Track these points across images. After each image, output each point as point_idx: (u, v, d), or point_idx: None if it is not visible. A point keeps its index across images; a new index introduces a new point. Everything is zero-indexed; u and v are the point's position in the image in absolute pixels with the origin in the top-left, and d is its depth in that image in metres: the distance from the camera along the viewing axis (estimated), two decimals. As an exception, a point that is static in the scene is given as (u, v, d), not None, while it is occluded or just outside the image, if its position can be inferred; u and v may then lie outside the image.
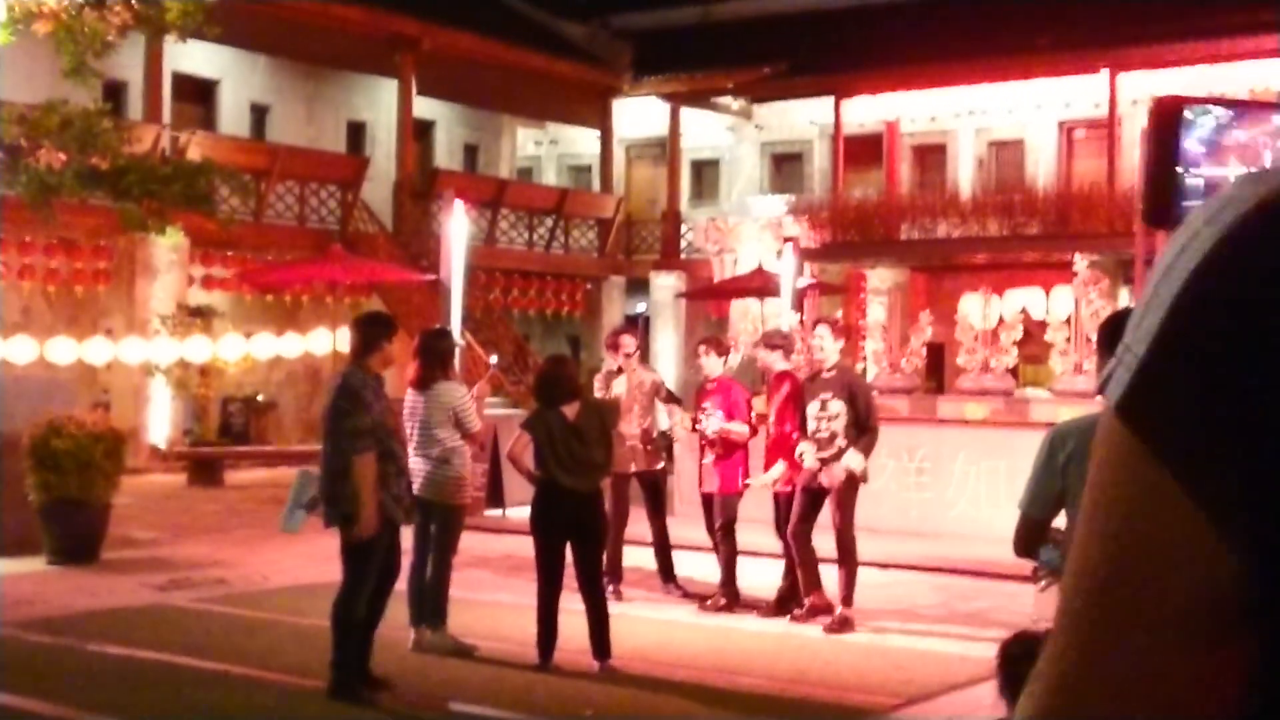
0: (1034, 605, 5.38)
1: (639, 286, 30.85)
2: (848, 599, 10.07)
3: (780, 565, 10.72)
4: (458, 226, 15.72)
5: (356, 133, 29.41)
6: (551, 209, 30.46)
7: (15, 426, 12.83)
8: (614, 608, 9.14)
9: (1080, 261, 21.16)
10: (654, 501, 11.37)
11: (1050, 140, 27.77)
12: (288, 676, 8.52)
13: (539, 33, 29.73)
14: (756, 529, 11.16)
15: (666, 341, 29.18)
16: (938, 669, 8.89)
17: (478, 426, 9.43)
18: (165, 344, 21.55)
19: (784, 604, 10.47)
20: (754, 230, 26.48)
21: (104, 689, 8.24)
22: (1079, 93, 25.19)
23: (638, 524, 11.37)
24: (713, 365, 10.96)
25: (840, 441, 9.94)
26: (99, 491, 12.80)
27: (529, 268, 29.50)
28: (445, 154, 31.37)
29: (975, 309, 16.91)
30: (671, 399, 11.48)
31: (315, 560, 13.10)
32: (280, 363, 23.81)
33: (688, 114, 30.75)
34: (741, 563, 11.00)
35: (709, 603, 10.72)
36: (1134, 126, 24.65)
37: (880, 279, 25.95)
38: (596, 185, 32.45)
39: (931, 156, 29.26)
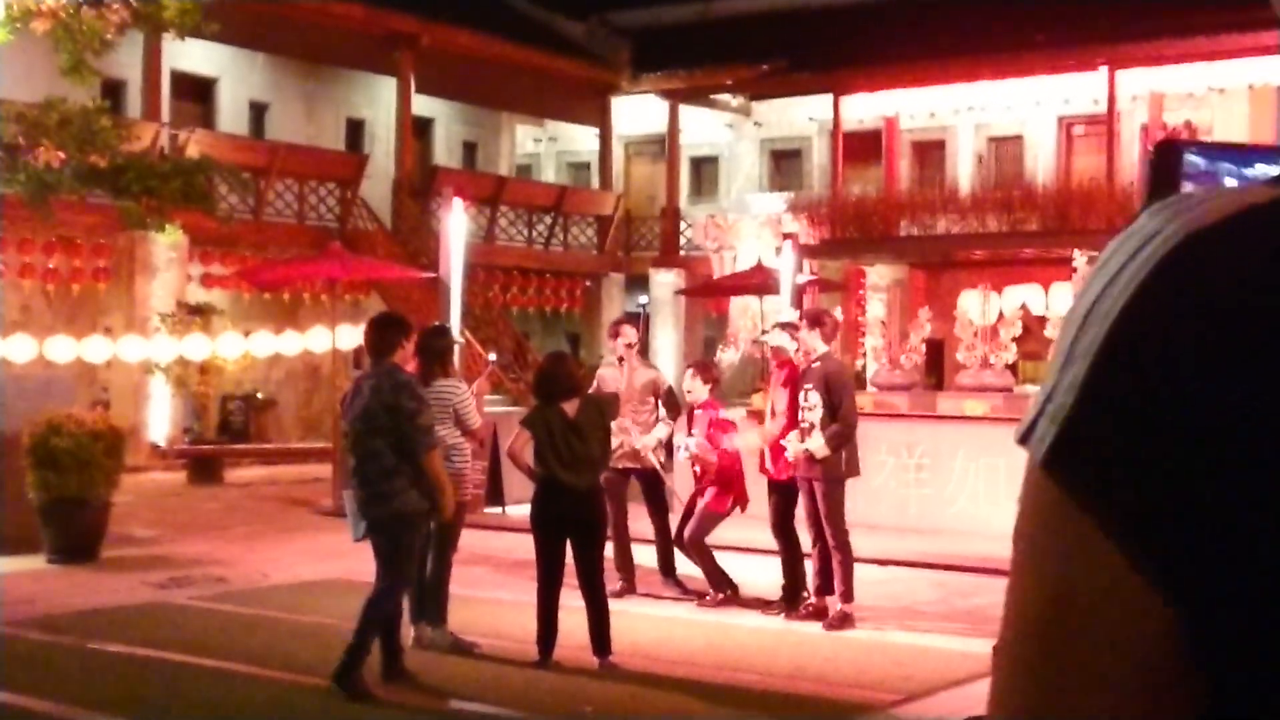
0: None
1: (638, 284, 30.84)
2: (846, 594, 10.07)
3: (776, 562, 10.75)
4: (457, 224, 15.73)
5: (355, 130, 29.41)
6: (551, 206, 30.46)
7: (15, 425, 12.84)
8: (613, 604, 9.14)
9: (1079, 257, 21.17)
10: (653, 497, 11.36)
11: (1049, 136, 27.76)
12: (287, 674, 8.52)
13: (538, 30, 29.72)
14: (753, 526, 11.16)
15: (666, 338, 29.19)
16: (937, 665, 8.90)
17: (478, 424, 9.44)
18: (164, 342, 21.56)
19: (793, 598, 10.49)
20: (753, 227, 26.48)
21: (104, 687, 8.25)
22: (1078, 89, 25.17)
23: (637, 520, 11.37)
24: (699, 392, 10.95)
25: (817, 433, 9.96)
26: (99, 490, 12.81)
27: (528, 265, 29.50)
28: (444, 151, 31.36)
29: (974, 305, 16.91)
30: (671, 401, 11.37)
31: (314, 558, 13.12)
32: (279, 360, 23.81)
33: (687, 111, 30.74)
34: (740, 558, 11.02)
35: (707, 599, 10.74)
36: (1133, 123, 24.70)
37: (880, 275, 25.95)
38: (596, 182, 32.45)
39: (931, 153, 29.26)
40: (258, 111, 27.78)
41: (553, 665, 8.63)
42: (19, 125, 15.44)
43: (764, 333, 11.02)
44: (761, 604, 10.71)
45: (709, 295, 27.57)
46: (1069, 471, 0.65)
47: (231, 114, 27.09)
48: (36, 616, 10.10)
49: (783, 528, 10.50)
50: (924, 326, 16.79)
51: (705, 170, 33.14)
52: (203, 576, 12.17)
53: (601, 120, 31.65)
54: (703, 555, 10.72)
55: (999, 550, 10.02)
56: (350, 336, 21.57)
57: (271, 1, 22.76)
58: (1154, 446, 0.62)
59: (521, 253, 29.60)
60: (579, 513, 8.69)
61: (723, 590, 10.71)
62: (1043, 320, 17.57)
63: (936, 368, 21.83)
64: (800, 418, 10.09)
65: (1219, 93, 23.47)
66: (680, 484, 11.60)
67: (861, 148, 27.59)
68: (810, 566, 10.37)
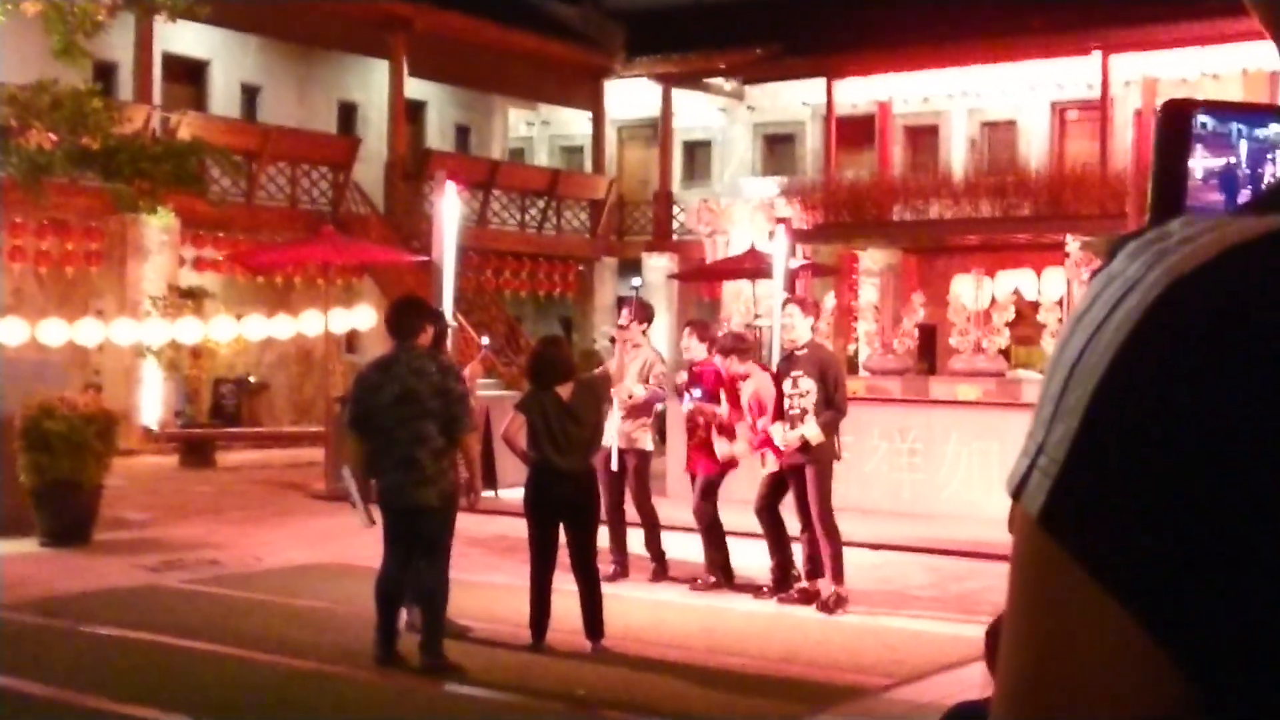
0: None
1: (631, 268, 30.80)
2: (837, 576, 10.09)
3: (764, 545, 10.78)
4: (449, 207, 15.68)
5: (348, 114, 29.34)
6: (543, 190, 30.42)
7: (7, 408, 12.82)
8: (606, 588, 9.15)
9: (1072, 243, 21.18)
10: (639, 480, 11.33)
11: (1042, 121, 27.76)
12: (280, 657, 8.53)
13: (531, 13, 29.66)
14: (744, 510, 11.17)
15: (658, 322, 29.07)
16: (930, 649, 8.92)
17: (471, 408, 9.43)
18: (157, 325, 21.52)
19: (783, 582, 10.50)
20: (746, 211, 26.46)
21: (97, 670, 8.25)
22: (1071, 74, 25.16)
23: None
24: (696, 349, 10.96)
25: (810, 419, 9.96)
26: (91, 473, 12.79)
27: (521, 249, 29.47)
28: (437, 135, 31.30)
29: (967, 290, 16.93)
30: (654, 382, 11.31)
31: (307, 541, 13.13)
32: (272, 344, 23.79)
33: (680, 95, 30.70)
34: (730, 543, 11.01)
35: (698, 582, 10.74)
36: (1126, 108, 24.70)
37: (872, 260, 25.96)
38: (588, 166, 32.41)
39: (924, 137, 29.24)
40: (250, 94, 27.70)
41: (546, 649, 8.65)
42: (10, 107, 15.40)
43: (757, 320, 10.98)
44: (753, 588, 10.73)
45: (701, 280, 27.55)
46: (1065, 526, 0.64)
47: (223, 97, 27.01)
48: (29, 600, 10.09)
49: (770, 512, 10.51)
50: (917, 311, 16.80)
51: (698, 154, 33.11)
52: (195, 560, 12.17)
53: (594, 104, 31.60)
54: (712, 532, 10.68)
55: (991, 535, 10.06)
56: (343, 320, 21.57)
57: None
58: (1149, 502, 0.62)
59: (514, 237, 29.57)
60: (573, 496, 8.70)
61: (715, 575, 10.71)
62: (1035, 305, 17.57)
63: (929, 352, 21.85)
64: (789, 404, 10.08)
65: (1212, 78, 23.46)
66: (672, 464, 11.62)
67: (855, 132, 27.57)
68: (799, 551, 10.38)
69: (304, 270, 23.71)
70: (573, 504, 8.71)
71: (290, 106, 27.77)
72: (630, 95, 31.28)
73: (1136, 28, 22.89)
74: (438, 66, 28.38)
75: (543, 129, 35.01)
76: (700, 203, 28.13)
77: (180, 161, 16.77)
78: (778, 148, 31.95)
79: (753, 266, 22.13)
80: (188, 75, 26.57)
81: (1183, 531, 0.61)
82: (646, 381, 11.20)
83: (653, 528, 11.28)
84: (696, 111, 31.60)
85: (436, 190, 15.99)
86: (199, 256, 23.95)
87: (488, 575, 11.14)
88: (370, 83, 28.80)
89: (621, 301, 11.87)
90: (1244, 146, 0.85)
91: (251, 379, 24.67)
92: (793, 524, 10.40)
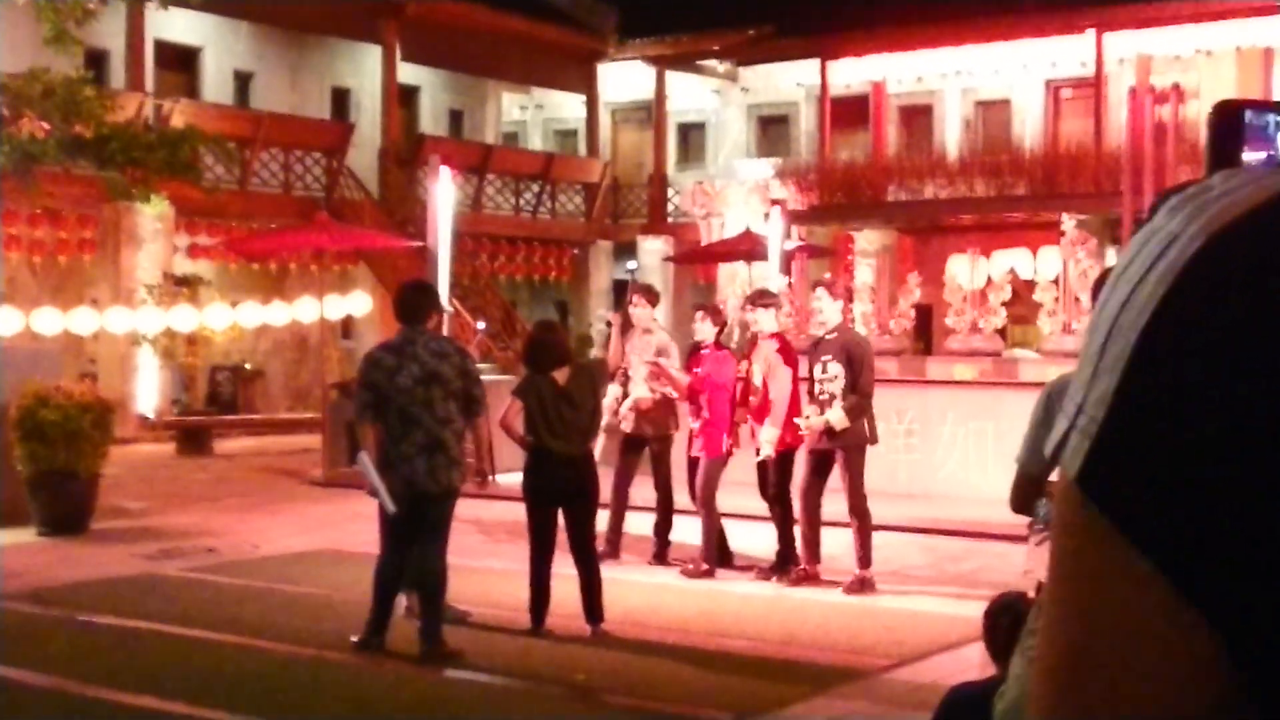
0: (1026, 557, 5.39)
1: (626, 251, 30.77)
2: (865, 560, 10.10)
3: (768, 528, 10.76)
4: (444, 192, 15.64)
5: (341, 99, 29.27)
6: (538, 174, 30.38)
7: (3, 398, 12.80)
8: (605, 572, 9.15)
9: (1068, 221, 21.12)
10: (657, 465, 11.34)
11: (1037, 100, 27.72)
12: (279, 644, 8.53)
13: (523, -3, 29.59)
14: (744, 492, 11.17)
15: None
16: (928, 630, 8.92)
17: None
18: (151, 313, 21.49)
19: (783, 565, 10.51)
20: (741, 194, 26.42)
21: (94, 659, 8.24)
22: (1065, 52, 25.12)
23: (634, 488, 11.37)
24: (706, 331, 10.95)
25: (837, 404, 9.94)
26: (87, 462, 12.78)
27: (515, 233, 29.44)
28: (430, 120, 31.24)
29: (963, 270, 16.91)
30: (655, 368, 11.29)
31: (304, 528, 13.12)
32: (267, 331, 23.76)
33: (673, 77, 30.63)
34: (729, 526, 11.01)
35: (690, 567, 10.71)
36: (1120, 86, 24.62)
37: (868, 241, 25.92)
38: (583, 150, 32.36)
39: (918, 118, 29.20)
40: (242, 81, 27.63)
41: (545, 633, 8.65)
42: (3, 96, 15.36)
43: (749, 308, 10.95)
44: (753, 570, 10.73)
45: (697, 262, 27.52)
46: (1104, 488, 0.62)
47: (216, 84, 26.94)
48: (26, 589, 10.08)
49: (780, 496, 10.49)
50: (913, 292, 16.79)
51: (692, 137, 33.06)
52: (192, 548, 12.16)
53: (588, 87, 31.53)
54: (709, 516, 10.67)
55: (989, 514, 10.05)
56: (338, 306, 21.52)
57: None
58: (1191, 461, 0.60)
59: (509, 221, 29.53)
60: (571, 481, 8.69)
61: (710, 562, 10.68)
62: (1031, 284, 17.55)
63: (925, 333, 21.84)
64: (818, 389, 10.05)
65: (1206, 55, 23.43)
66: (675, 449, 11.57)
67: (849, 113, 27.53)
68: (800, 534, 10.37)
69: (298, 257, 23.69)
70: (571, 489, 8.70)
71: (283, 93, 27.70)
72: (624, 78, 31.21)
73: (1130, 5, 22.85)
74: (430, 51, 28.32)
75: (536, 113, 34.94)
76: (695, 185, 28.08)
77: (173, 149, 16.76)
78: (772, 129, 31.91)
79: (748, 248, 22.10)
80: (180, 62, 26.50)
81: (1223, 495, 0.59)
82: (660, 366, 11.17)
83: (669, 512, 11.29)
84: (690, 93, 31.54)
85: (430, 175, 15.95)
86: (193, 244, 23.91)
87: (486, 560, 11.14)
88: (363, 68, 28.73)
89: (623, 286, 11.88)
90: None
91: (247, 366, 24.65)
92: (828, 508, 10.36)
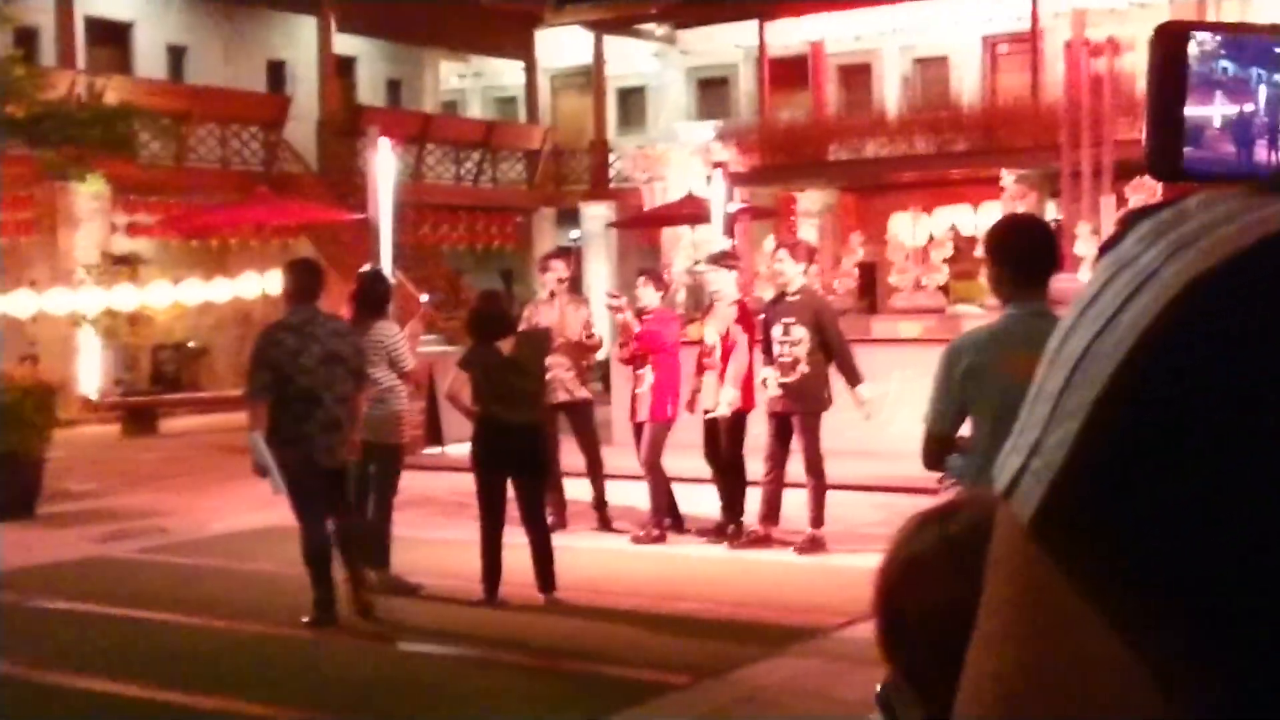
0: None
1: (569, 217, 30.73)
2: (817, 520, 10.15)
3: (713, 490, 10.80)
4: (384, 163, 15.57)
5: (277, 72, 28.99)
6: (478, 142, 30.23)
7: (-58, 383, 12.65)
8: (556, 540, 9.16)
9: (1007, 176, 21.31)
10: (582, 431, 11.32)
11: (974, 56, 27.82)
12: (232, 622, 8.50)
13: (458, -36, 29.37)
14: (692, 455, 11.20)
15: (599, 271, 29.13)
16: (880, 586, 8.98)
17: (411, 365, 9.39)
18: (92, 293, 21.25)
19: (729, 526, 10.55)
20: (683, 157, 26.40)
21: (47, 644, 8.19)
22: (1001, 7, 25.21)
23: (572, 455, 11.35)
24: (650, 297, 10.94)
25: (804, 367, 9.94)
26: (32, 446, 12.67)
27: (458, 202, 29.29)
28: (368, 90, 31.00)
29: (905, 227, 17.01)
30: (590, 341, 11.30)
31: (255, 505, 13.02)
32: (210, 308, 23.54)
33: (612, 42, 30.52)
34: (677, 489, 11.03)
35: (642, 534, 10.73)
36: (1056, 40, 24.75)
37: (810, 201, 25.99)
38: (523, 117, 32.23)
39: (857, 76, 29.25)
40: (176, 55, 27.32)
41: (498, 603, 8.66)
42: (-69, 77, 15.12)
43: (697, 266, 10.96)
44: (704, 533, 10.77)
45: (640, 227, 27.51)
46: (1058, 539, 0.59)
47: (149, 58, 26.62)
48: (-25, 576, 9.99)
49: (733, 459, 10.51)
50: (856, 251, 16.87)
51: (632, 101, 32.98)
52: (143, 529, 12.09)
53: (526, 54, 31.39)
54: (657, 479, 10.68)
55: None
56: (281, 281, 21.35)
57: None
58: (1156, 523, 0.56)
59: (451, 190, 29.38)
60: (519, 450, 8.69)
61: (660, 526, 10.70)
62: (973, 240, 17.64)
63: (870, 291, 21.94)
64: (779, 351, 10.04)
65: (1140, 7, 23.56)
66: (618, 414, 11.62)
67: (788, 74, 27.54)
68: (758, 495, 10.38)
69: (239, 232, 23.50)
70: (520, 457, 8.70)
71: (218, 66, 27.42)
72: (562, 43, 31.08)
73: (1064, -41, 22.92)
74: (366, 21, 28.07)
75: (475, 80, 34.75)
76: (636, 150, 28.05)
77: (108, 126, 16.52)
78: (712, 91, 31.88)
79: (691, 212, 22.11)
80: (112, 38, 26.16)
81: (1184, 565, 0.56)
82: (586, 338, 11.17)
83: (600, 476, 11.28)
84: (629, 58, 31.44)
85: (370, 146, 15.86)
86: (132, 222, 23.66)
87: (437, 531, 11.13)
88: (298, 40, 28.46)
89: (549, 256, 11.82)
90: (1263, 93, 0.78)
91: (191, 344, 24.46)
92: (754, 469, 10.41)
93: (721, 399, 10.32)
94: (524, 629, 8.21)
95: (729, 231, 18.60)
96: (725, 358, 10.32)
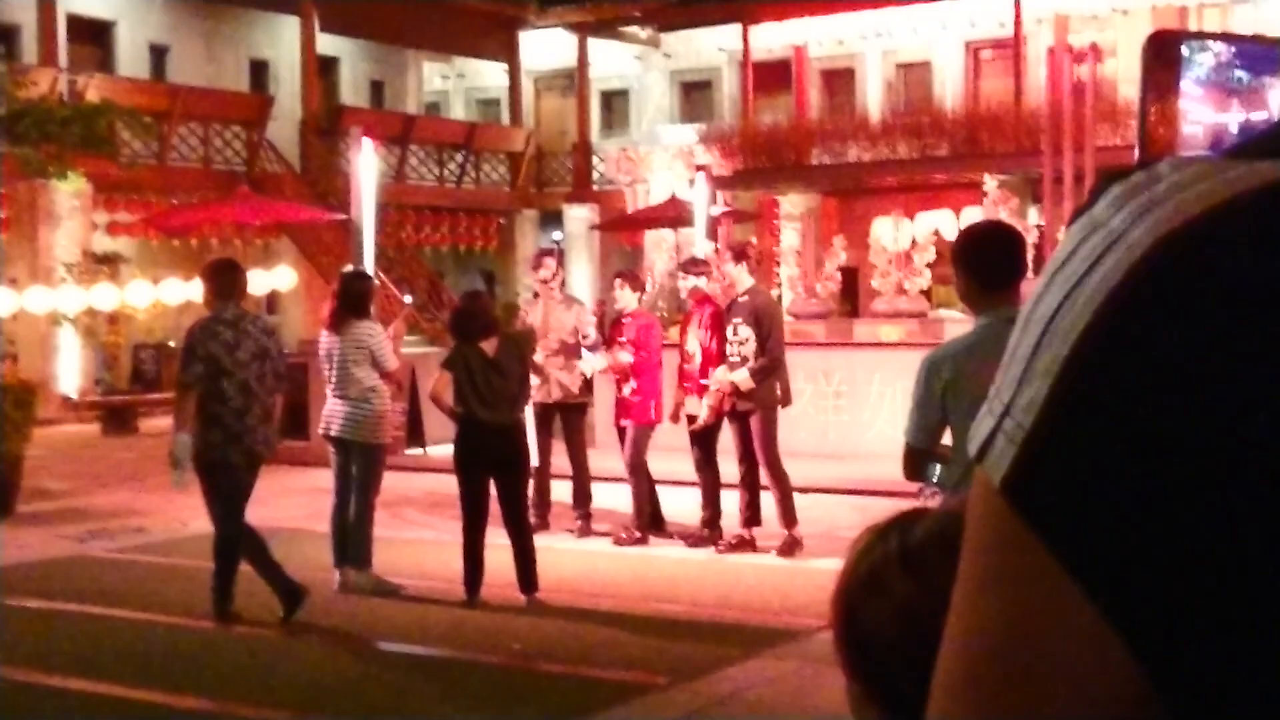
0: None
1: (552, 219, 30.72)
2: (788, 519, 10.15)
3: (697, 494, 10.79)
4: (366, 164, 15.56)
5: (259, 71, 28.93)
6: (461, 143, 30.20)
7: (-80, 381, 12.59)
8: (538, 541, 9.15)
9: (989, 181, 21.33)
10: (571, 432, 11.31)
11: (957, 61, 27.88)
12: (210, 622, 8.46)
13: (442, -36, 29.34)
14: (675, 457, 11.20)
15: (581, 273, 29.11)
16: (860, 589, 8.98)
17: (394, 365, 9.37)
18: (71, 292, 21.17)
19: (715, 529, 10.54)
20: (665, 160, 26.41)
21: (24, 643, 8.14)
22: (984, 12, 25.27)
23: (558, 455, 11.34)
24: (627, 299, 10.94)
25: (751, 365, 9.98)
26: (10, 444, 12.61)
27: (440, 203, 29.26)
28: (350, 91, 30.96)
29: (887, 232, 17.00)
30: (593, 344, 11.31)
31: (235, 505, 12.99)
32: (191, 307, 23.38)
33: (595, 44, 30.53)
34: (661, 491, 11.03)
35: (624, 536, 10.73)
36: (1039, 45, 24.83)
37: (793, 204, 26.00)
38: (505, 118, 32.20)
39: (840, 81, 29.29)
40: (158, 54, 27.24)
41: (480, 604, 8.64)
42: (-90, 74, 15.04)
43: (681, 275, 10.97)
44: (685, 536, 10.76)
45: (623, 229, 27.51)
46: (1030, 499, 0.59)
47: (131, 57, 26.54)
48: (-48, 574, 9.94)
49: (706, 460, 10.53)
50: (838, 254, 16.87)
51: (615, 103, 32.98)
52: (121, 528, 12.04)
53: (509, 55, 31.36)
54: (640, 483, 10.68)
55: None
56: (262, 281, 21.30)
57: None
58: (1117, 482, 0.57)
59: (433, 191, 29.34)
60: (502, 451, 8.68)
61: (642, 530, 10.69)
62: (955, 245, 17.68)
63: (851, 295, 21.97)
64: (730, 352, 10.09)
65: (1122, 14, 23.64)
66: (601, 417, 11.61)
67: (771, 77, 27.56)
68: (738, 499, 10.39)
69: (220, 231, 23.42)
70: (502, 458, 8.69)
71: (199, 65, 27.35)
72: (545, 45, 31.07)
73: (1047, -35, 22.99)
74: (349, 21, 28.03)
75: (458, 82, 34.72)
76: (619, 152, 28.06)
77: (89, 124, 16.45)
78: (695, 94, 31.90)
79: (674, 214, 22.12)
80: (93, 36, 26.08)
81: (1157, 524, 0.56)
82: (587, 344, 11.15)
83: (585, 479, 11.27)
84: (612, 60, 31.45)
85: (352, 147, 15.84)
86: (112, 221, 23.58)
87: (418, 532, 11.11)
88: (280, 39, 28.40)
89: (541, 254, 11.82)
90: (1237, 81, 0.80)
91: (171, 343, 24.31)
92: (730, 471, 10.42)
93: (705, 403, 10.33)
94: (504, 630, 8.19)
95: (712, 235, 18.62)
96: (705, 366, 10.35)
